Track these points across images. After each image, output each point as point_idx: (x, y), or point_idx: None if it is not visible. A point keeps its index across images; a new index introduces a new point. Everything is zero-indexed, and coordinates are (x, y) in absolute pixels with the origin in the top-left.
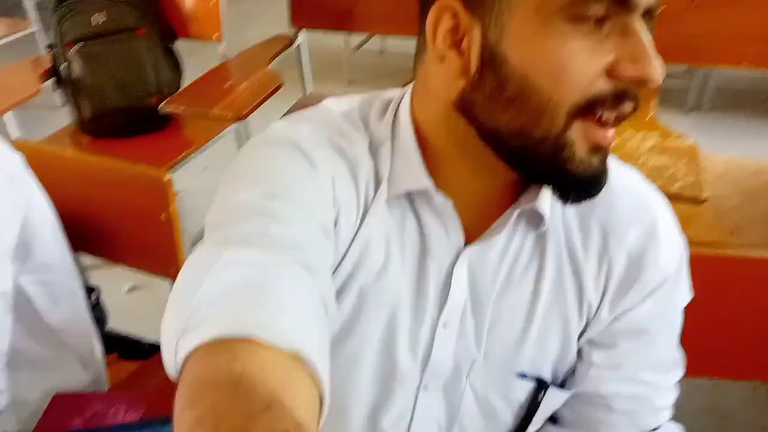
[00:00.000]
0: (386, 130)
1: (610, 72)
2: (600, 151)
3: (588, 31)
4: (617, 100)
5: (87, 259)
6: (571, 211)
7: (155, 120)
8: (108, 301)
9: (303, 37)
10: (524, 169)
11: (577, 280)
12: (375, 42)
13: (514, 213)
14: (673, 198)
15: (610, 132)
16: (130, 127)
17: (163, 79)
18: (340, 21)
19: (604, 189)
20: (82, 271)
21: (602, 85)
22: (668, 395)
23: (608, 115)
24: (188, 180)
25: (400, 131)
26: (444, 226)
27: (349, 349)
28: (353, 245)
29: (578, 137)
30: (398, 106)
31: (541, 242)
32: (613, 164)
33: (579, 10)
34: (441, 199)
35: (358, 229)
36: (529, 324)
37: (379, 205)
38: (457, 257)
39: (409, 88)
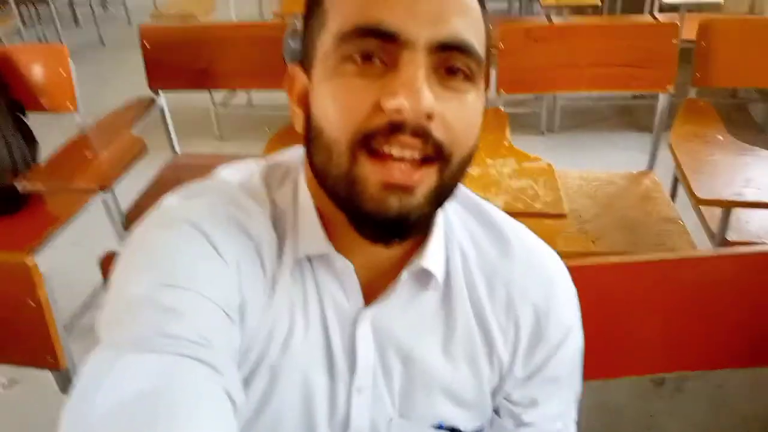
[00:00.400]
0: (287, 195)
1: (379, 107)
2: (394, 189)
3: (355, 69)
4: (392, 133)
5: None
6: (476, 269)
7: (12, 199)
8: None
9: (163, 99)
10: (341, 209)
11: (486, 336)
12: (242, 95)
13: (404, 274)
14: (537, 215)
15: (402, 171)
16: None
17: (17, 155)
18: (198, 80)
19: (502, 246)
20: None
21: (377, 120)
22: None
23: (389, 148)
24: (58, 258)
25: (299, 196)
26: (343, 289)
27: (265, 425)
28: (261, 326)
29: (368, 173)
30: (299, 167)
31: (446, 299)
32: (507, 221)
33: (345, 50)
34: (341, 262)
35: (266, 309)
36: (442, 380)
37: (284, 277)
38: (357, 320)
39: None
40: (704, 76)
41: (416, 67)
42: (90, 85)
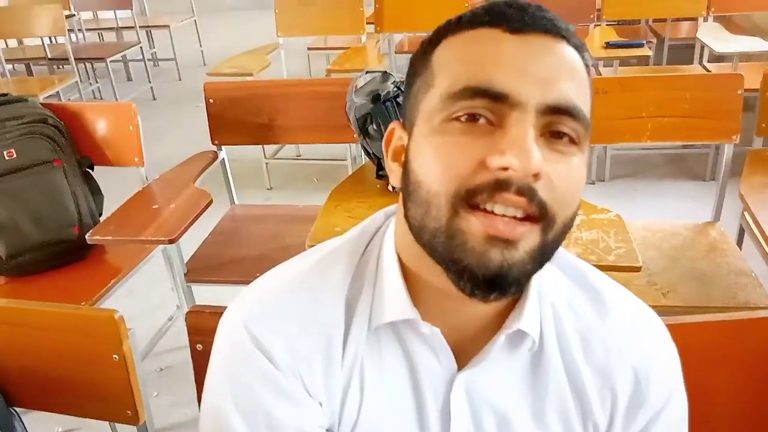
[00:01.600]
0: (371, 262)
1: (484, 164)
2: (500, 243)
3: (461, 128)
4: (495, 191)
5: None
6: (571, 330)
7: (76, 251)
8: None
9: (224, 153)
10: (440, 263)
11: (579, 398)
12: (290, 147)
13: (501, 337)
14: (611, 269)
15: (506, 223)
16: (51, 260)
17: (83, 207)
18: (258, 135)
19: (599, 307)
20: (24, 428)
21: (482, 177)
22: None
23: (492, 206)
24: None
25: (383, 262)
26: (433, 352)
27: None
28: (332, 401)
29: (470, 226)
30: (385, 232)
31: (537, 361)
32: (603, 280)
33: (452, 109)
34: (428, 329)
35: (334, 385)
36: None
37: (356, 349)
38: (451, 384)
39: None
40: None
41: (525, 127)
42: (144, 138)
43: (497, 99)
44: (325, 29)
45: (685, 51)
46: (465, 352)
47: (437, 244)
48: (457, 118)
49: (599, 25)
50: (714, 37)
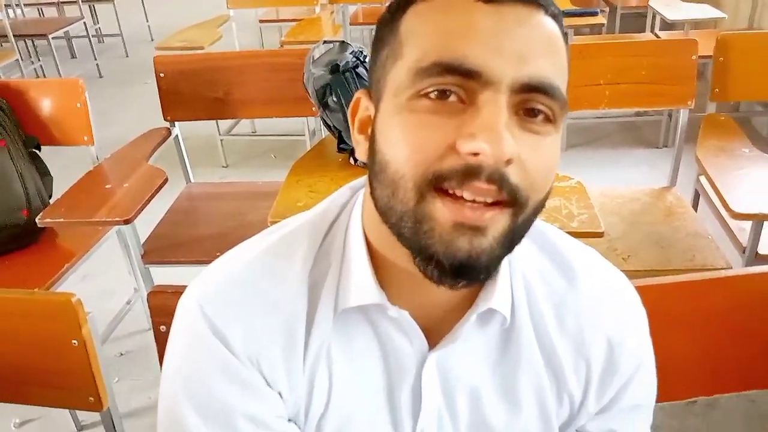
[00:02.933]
0: (336, 243)
1: (453, 147)
2: (465, 229)
3: (430, 105)
4: (466, 177)
5: None
6: (543, 301)
7: (26, 235)
8: None
9: (178, 129)
10: (407, 248)
11: (553, 370)
12: (245, 123)
13: (472, 316)
14: (575, 235)
15: (474, 210)
16: (0, 245)
17: (31, 190)
18: (213, 110)
19: (570, 276)
20: None
21: (451, 161)
22: None
23: (461, 192)
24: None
25: (350, 241)
26: (405, 334)
27: None
28: (299, 388)
29: (437, 212)
30: (351, 211)
31: (509, 335)
32: (572, 247)
33: (420, 85)
34: (395, 312)
35: (299, 372)
36: (508, 420)
37: (322, 333)
38: (423, 364)
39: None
40: (722, 91)
41: (498, 108)
42: (93, 117)
43: (469, 76)
44: (278, 0)
45: (636, 19)
46: (436, 331)
47: (404, 229)
48: (426, 95)
49: None
50: (665, 4)
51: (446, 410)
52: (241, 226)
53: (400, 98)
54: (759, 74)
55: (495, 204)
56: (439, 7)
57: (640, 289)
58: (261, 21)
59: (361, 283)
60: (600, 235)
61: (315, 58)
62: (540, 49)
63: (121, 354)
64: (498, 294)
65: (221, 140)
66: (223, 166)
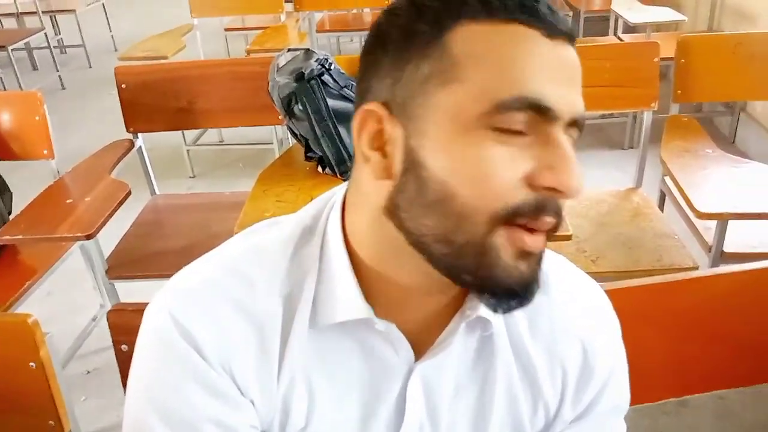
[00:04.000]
0: (312, 255)
1: (529, 181)
2: (527, 257)
3: (507, 139)
4: (538, 211)
5: None
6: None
7: None
8: None
9: (141, 141)
10: (454, 276)
11: (528, 380)
12: (212, 132)
13: (461, 324)
14: None
15: (538, 238)
16: None
17: None
18: (177, 121)
19: (545, 281)
20: None
21: (523, 195)
22: None
23: (531, 224)
24: (32, 311)
25: (329, 256)
26: (392, 345)
27: None
28: (274, 402)
29: (503, 243)
30: (327, 221)
31: (484, 344)
32: (555, 266)
33: (498, 120)
34: (383, 326)
35: (275, 385)
36: (483, 428)
37: (298, 345)
38: (408, 375)
39: (337, 198)
40: (685, 92)
41: (567, 143)
42: (55, 130)
43: (541, 112)
44: (242, 9)
45: (599, 23)
46: (421, 341)
47: (465, 258)
48: (501, 129)
49: None
50: (628, 8)
51: (428, 420)
52: (208, 237)
53: (467, 126)
54: (720, 75)
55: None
56: (506, 37)
57: (609, 293)
58: (226, 29)
59: (347, 298)
60: (568, 237)
61: (280, 66)
62: (579, 83)
63: (88, 372)
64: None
65: (187, 150)
66: (190, 177)
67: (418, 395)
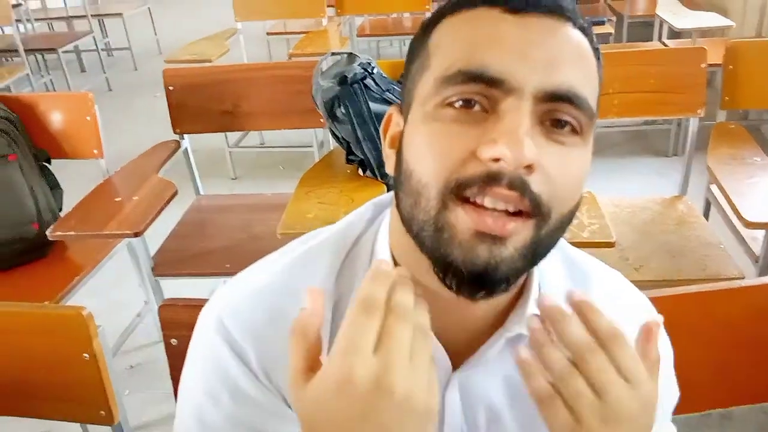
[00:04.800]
0: (362, 257)
1: (476, 155)
2: (485, 238)
3: (454, 114)
4: (486, 184)
5: None
6: None
7: (37, 248)
8: None
9: (187, 142)
10: (430, 260)
11: None
12: (254, 135)
13: (501, 340)
14: (586, 245)
15: (495, 219)
16: (11, 259)
17: (42, 203)
18: (222, 122)
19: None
20: None
21: (472, 168)
22: None
23: (482, 199)
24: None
25: (376, 255)
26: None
27: None
28: None
29: (458, 220)
30: (380, 225)
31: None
32: (597, 269)
33: (445, 94)
34: None
35: None
36: None
37: None
38: (446, 385)
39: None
40: (732, 99)
41: (520, 114)
42: (102, 130)
43: (492, 84)
44: (285, 13)
45: (644, 28)
46: (461, 351)
47: (425, 237)
48: (451, 104)
49: None
50: (673, 13)
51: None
52: (250, 238)
53: (426, 107)
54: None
55: (517, 214)
56: (466, 19)
57: (653, 300)
58: (269, 33)
59: None
60: (611, 245)
61: (323, 70)
62: (567, 58)
63: (131, 367)
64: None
65: (230, 152)
66: (231, 178)
67: (456, 405)
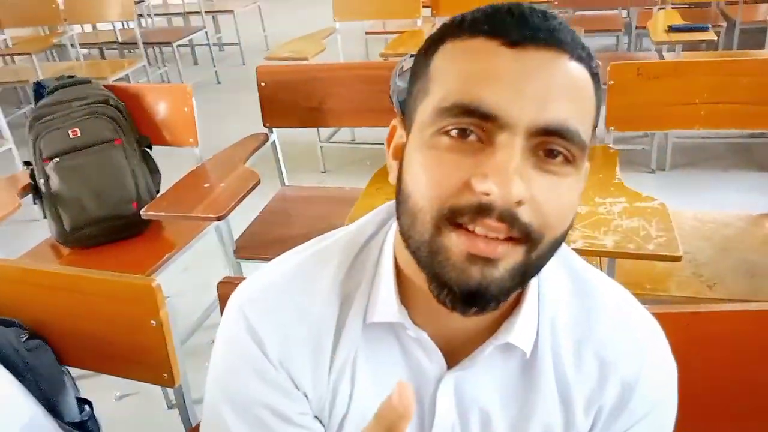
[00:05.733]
0: (369, 259)
1: (469, 185)
2: (479, 261)
3: (450, 143)
4: (477, 215)
5: (75, 370)
6: (566, 341)
7: (135, 225)
8: (98, 410)
9: (275, 135)
10: (426, 275)
11: (565, 410)
12: (345, 131)
13: (489, 347)
14: (651, 257)
15: (487, 243)
16: (111, 234)
17: (141, 185)
18: (309, 118)
19: (594, 315)
20: (74, 384)
21: (466, 198)
22: None
23: (473, 227)
24: (169, 282)
25: (383, 259)
26: (425, 351)
27: None
28: (324, 392)
29: (452, 244)
30: (390, 228)
31: (529, 368)
32: (603, 284)
33: (441, 124)
34: (414, 332)
35: (324, 378)
36: None
37: (350, 343)
38: (440, 382)
39: None
40: None
41: (512, 151)
42: (206, 120)
43: (486, 119)
44: (380, 13)
45: (757, 35)
46: (456, 353)
47: (421, 257)
48: (447, 133)
49: (663, 8)
50: None
51: (460, 429)
52: (327, 228)
53: (424, 134)
54: None
55: (508, 239)
56: (465, 49)
57: (723, 315)
58: (367, 33)
59: (385, 301)
60: (677, 259)
61: (403, 71)
62: (560, 93)
63: (212, 342)
64: (519, 329)
65: (321, 147)
66: (321, 172)
67: (449, 403)
